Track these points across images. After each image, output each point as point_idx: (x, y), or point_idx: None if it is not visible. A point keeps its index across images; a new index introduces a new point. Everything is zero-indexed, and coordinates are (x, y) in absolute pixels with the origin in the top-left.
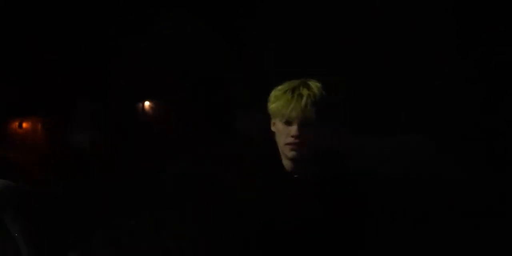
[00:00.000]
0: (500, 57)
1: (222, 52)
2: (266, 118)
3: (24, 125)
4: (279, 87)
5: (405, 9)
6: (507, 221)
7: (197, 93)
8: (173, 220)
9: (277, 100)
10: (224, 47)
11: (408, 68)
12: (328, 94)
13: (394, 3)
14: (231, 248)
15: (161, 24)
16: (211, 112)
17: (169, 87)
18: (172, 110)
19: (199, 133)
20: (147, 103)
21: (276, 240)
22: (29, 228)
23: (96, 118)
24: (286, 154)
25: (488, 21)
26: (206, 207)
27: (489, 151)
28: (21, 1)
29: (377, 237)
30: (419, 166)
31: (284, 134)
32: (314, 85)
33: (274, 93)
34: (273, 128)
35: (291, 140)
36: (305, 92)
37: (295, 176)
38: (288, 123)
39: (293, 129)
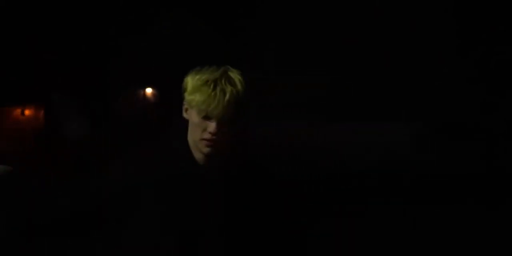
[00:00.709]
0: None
1: (221, 52)
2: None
3: (27, 112)
4: (198, 76)
5: (404, 9)
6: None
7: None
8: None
9: (196, 92)
10: (224, 47)
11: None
12: (247, 89)
13: (392, 3)
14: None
15: (161, 24)
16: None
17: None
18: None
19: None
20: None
21: (191, 240)
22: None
23: (92, 107)
24: (201, 149)
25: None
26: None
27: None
28: None
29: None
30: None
31: (200, 128)
32: (237, 78)
33: (192, 81)
34: (185, 115)
35: (208, 136)
36: (228, 88)
37: (208, 169)
38: (206, 118)
39: (212, 125)
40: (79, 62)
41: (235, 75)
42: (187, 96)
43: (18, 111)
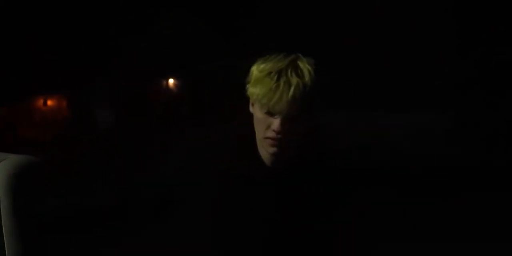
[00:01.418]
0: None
1: (222, 52)
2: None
3: (49, 103)
4: (262, 66)
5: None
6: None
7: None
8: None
9: (258, 84)
10: (224, 47)
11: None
12: (319, 79)
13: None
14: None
15: (161, 24)
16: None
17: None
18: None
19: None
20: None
21: (257, 241)
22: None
23: (111, 97)
24: (266, 148)
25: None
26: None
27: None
28: None
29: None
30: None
31: (265, 125)
32: (306, 68)
33: (255, 72)
34: (251, 109)
35: (272, 134)
36: (294, 80)
37: (274, 169)
38: (269, 113)
39: (276, 122)
40: (104, 52)
41: (304, 64)
42: (250, 88)
43: (41, 101)
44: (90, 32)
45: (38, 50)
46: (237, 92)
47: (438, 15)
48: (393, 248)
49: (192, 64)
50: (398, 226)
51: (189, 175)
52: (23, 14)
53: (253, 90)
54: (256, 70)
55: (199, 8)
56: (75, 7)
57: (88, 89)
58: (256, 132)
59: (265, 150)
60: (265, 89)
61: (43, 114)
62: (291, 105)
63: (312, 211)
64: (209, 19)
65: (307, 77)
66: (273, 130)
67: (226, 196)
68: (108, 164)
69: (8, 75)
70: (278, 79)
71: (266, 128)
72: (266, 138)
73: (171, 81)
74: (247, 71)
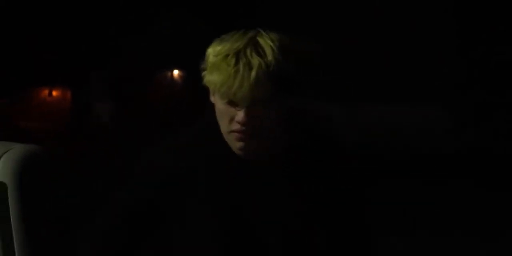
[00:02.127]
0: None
1: None
2: None
3: (54, 93)
4: (218, 48)
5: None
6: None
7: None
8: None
9: (215, 70)
10: None
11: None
12: (293, 61)
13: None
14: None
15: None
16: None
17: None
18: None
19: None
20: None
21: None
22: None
23: (114, 87)
24: (233, 143)
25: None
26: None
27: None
28: None
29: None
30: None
31: (227, 116)
32: (268, 45)
33: (211, 56)
34: (212, 99)
35: (237, 127)
36: (255, 60)
37: (250, 161)
38: (232, 103)
39: (240, 113)
40: (109, 43)
41: (265, 41)
42: (206, 76)
43: (46, 91)
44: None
45: (42, 45)
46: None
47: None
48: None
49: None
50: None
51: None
52: (31, 11)
53: (210, 78)
54: (211, 54)
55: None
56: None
57: (92, 83)
58: (220, 126)
59: (233, 145)
60: (223, 76)
61: (46, 106)
62: (255, 90)
63: (311, 208)
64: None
65: (270, 56)
66: (238, 122)
67: (211, 200)
68: (107, 161)
69: (11, 67)
70: (236, 62)
71: (229, 120)
72: (232, 131)
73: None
74: None
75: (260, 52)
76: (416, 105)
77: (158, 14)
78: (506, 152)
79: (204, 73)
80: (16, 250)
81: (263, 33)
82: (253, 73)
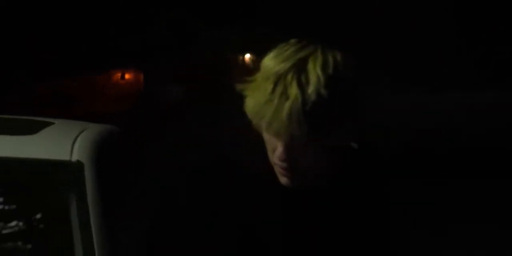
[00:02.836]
0: None
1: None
2: None
3: (127, 76)
4: (268, 63)
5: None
6: None
7: None
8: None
9: (252, 91)
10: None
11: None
12: (339, 96)
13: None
14: None
15: None
16: None
17: None
18: None
19: None
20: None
21: None
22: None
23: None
24: (279, 176)
25: None
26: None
27: None
28: None
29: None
30: None
31: (270, 146)
32: (314, 73)
33: (261, 71)
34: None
35: (278, 162)
36: (293, 90)
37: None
38: (273, 133)
39: (279, 148)
40: (180, 26)
41: (314, 65)
42: (246, 95)
43: (118, 75)
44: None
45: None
46: None
47: None
48: None
49: None
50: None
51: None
52: None
53: (247, 99)
54: (262, 68)
55: None
56: None
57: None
58: (268, 152)
59: (279, 177)
60: (258, 101)
61: (119, 87)
62: (290, 127)
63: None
64: None
65: (311, 87)
66: (277, 158)
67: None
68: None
69: (85, 50)
70: (273, 90)
71: (272, 150)
72: (275, 164)
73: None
74: None
75: (302, 81)
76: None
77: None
78: None
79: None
80: (92, 227)
81: (321, 52)
82: (287, 105)
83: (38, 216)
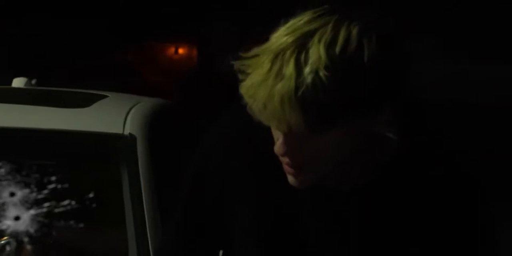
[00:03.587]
0: None
1: None
2: None
3: (180, 51)
4: (274, 35)
5: None
6: None
7: None
8: None
9: (253, 69)
10: None
11: None
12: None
13: None
14: None
15: None
16: None
17: None
18: None
19: None
20: None
21: None
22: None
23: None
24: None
25: None
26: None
27: None
28: None
29: None
30: None
31: (275, 135)
32: (317, 49)
33: (265, 44)
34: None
35: (280, 157)
36: (288, 70)
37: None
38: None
39: (278, 140)
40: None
41: (319, 41)
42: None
43: (172, 49)
44: None
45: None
46: None
47: None
48: None
49: None
50: None
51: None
52: None
53: (246, 79)
54: (268, 41)
55: None
56: None
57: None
58: None
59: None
60: (253, 81)
61: (173, 61)
62: (285, 113)
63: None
64: None
65: (308, 67)
66: (276, 150)
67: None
68: None
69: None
70: (271, 67)
71: (276, 141)
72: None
73: None
74: None
75: (301, 59)
76: None
77: None
78: None
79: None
80: (144, 199)
81: (333, 24)
82: (279, 87)
83: (90, 189)
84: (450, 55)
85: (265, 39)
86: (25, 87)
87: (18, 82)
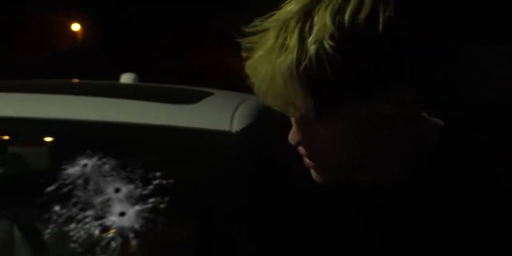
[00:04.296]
0: None
1: None
2: None
3: None
4: (283, 5)
5: None
6: None
7: None
8: None
9: (259, 43)
10: None
11: None
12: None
13: None
14: None
15: None
16: None
17: None
18: None
19: None
20: None
21: None
22: None
23: None
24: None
25: None
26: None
27: None
28: None
29: None
30: None
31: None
32: (322, 17)
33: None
34: None
35: (299, 149)
36: (292, 41)
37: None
38: None
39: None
40: None
41: (325, 10)
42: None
43: None
44: None
45: None
46: None
47: None
48: None
49: None
50: None
51: None
52: None
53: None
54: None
55: None
56: None
57: None
58: None
59: None
60: (257, 56)
61: None
62: (288, 91)
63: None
64: None
65: (312, 38)
66: (290, 140)
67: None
68: None
69: None
70: (276, 39)
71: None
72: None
73: None
74: None
75: (305, 29)
76: None
77: None
78: None
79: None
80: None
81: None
82: (280, 60)
83: (195, 185)
84: None
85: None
86: (133, 82)
87: (126, 78)
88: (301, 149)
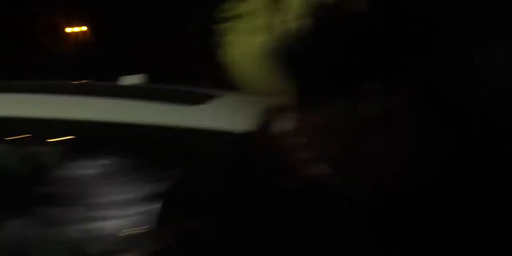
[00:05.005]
0: None
1: None
2: None
3: None
4: None
5: None
6: None
7: None
8: None
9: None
10: None
11: None
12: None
13: None
14: None
15: None
16: None
17: None
18: None
19: None
20: None
21: None
22: None
23: None
24: None
25: None
26: None
27: None
28: None
29: None
30: None
31: None
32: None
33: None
34: None
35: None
36: (269, 20)
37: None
38: None
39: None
40: None
41: None
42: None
43: None
44: None
45: None
46: None
47: None
48: None
49: None
50: None
51: None
52: None
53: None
54: None
55: None
56: None
57: None
58: None
59: None
60: (239, 40)
61: None
62: (272, 77)
63: None
64: None
65: (290, 13)
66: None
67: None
68: None
69: None
70: (252, 20)
71: None
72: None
73: None
74: None
75: (283, 7)
76: None
77: None
78: None
79: None
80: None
81: None
82: (259, 40)
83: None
84: None
85: None
86: (143, 83)
87: (136, 79)
88: (300, 139)
